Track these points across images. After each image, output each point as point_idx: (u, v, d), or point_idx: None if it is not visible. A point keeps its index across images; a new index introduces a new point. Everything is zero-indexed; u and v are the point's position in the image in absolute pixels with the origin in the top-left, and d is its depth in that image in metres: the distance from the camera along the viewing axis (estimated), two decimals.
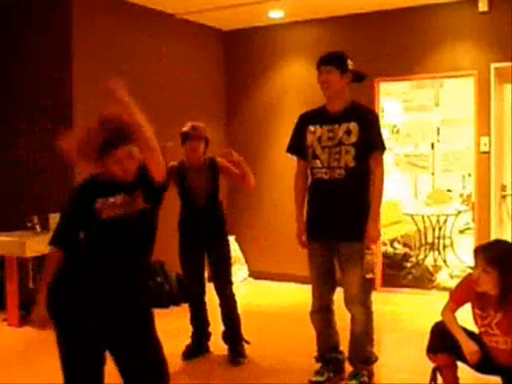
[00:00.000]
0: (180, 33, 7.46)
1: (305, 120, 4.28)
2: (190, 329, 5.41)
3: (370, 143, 4.04)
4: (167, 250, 7.10)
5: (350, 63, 4.13)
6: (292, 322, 6.09)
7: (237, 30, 8.02)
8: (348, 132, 4.01)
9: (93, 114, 6.20)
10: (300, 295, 7.12)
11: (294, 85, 7.70)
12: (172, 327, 5.95)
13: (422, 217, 8.47)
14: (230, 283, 5.02)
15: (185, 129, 4.85)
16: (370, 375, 4.35)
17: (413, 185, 10.31)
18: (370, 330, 4.33)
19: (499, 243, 3.74)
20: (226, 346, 5.03)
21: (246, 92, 8.03)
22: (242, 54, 8.08)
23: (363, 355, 4.33)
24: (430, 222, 8.41)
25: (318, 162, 4.09)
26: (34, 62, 6.34)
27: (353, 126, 4.01)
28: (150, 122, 7.31)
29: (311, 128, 4.16)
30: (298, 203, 4.34)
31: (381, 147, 4.10)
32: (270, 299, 7.00)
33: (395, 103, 10.04)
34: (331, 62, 4.08)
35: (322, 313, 4.30)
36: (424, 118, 10.72)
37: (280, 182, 7.79)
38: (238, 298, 5.09)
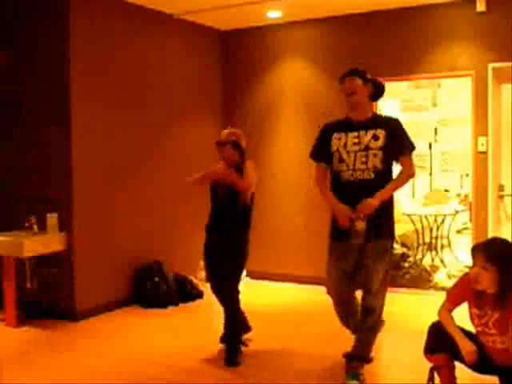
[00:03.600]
0: (178, 33, 7.46)
1: (329, 128, 4.54)
2: (188, 328, 5.43)
3: (400, 147, 4.39)
4: (165, 250, 7.14)
5: (369, 76, 4.51)
6: (293, 322, 6.11)
7: (235, 29, 8.02)
8: (375, 137, 4.33)
9: (89, 115, 6.24)
10: (299, 295, 7.16)
11: (292, 85, 7.70)
12: (170, 326, 5.99)
13: (420, 217, 8.48)
14: (231, 282, 5.04)
15: (221, 137, 5.10)
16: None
17: (411, 185, 10.32)
18: (379, 326, 4.55)
19: (497, 240, 3.72)
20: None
21: (244, 92, 8.03)
22: (239, 53, 8.08)
23: (366, 352, 4.48)
24: (428, 221, 8.42)
25: (344, 165, 4.37)
26: (32, 61, 6.33)
27: (380, 132, 4.34)
28: (150, 121, 7.40)
29: (336, 135, 4.44)
30: (329, 194, 4.48)
31: (410, 148, 4.44)
32: (269, 299, 7.00)
33: (393, 103, 10.05)
34: (354, 72, 4.47)
35: (341, 305, 4.55)
36: (422, 118, 10.75)
37: (278, 181, 7.81)
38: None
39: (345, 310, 4.57)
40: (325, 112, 7.34)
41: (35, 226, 6.09)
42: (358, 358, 4.44)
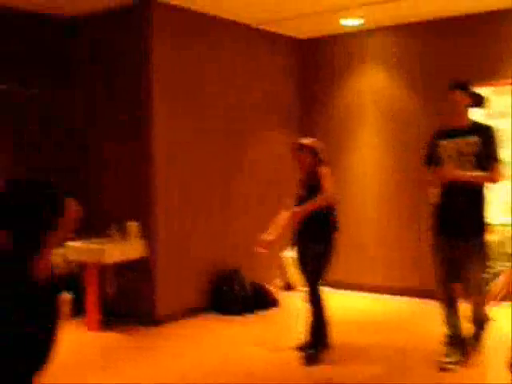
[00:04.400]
0: (255, 42, 7.52)
1: (436, 136, 5.01)
2: (264, 335, 5.44)
3: (489, 156, 4.77)
4: (243, 258, 7.19)
5: (471, 89, 4.96)
6: (374, 331, 6.04)
7: (313, 38, 8.00)
8: (470, 144, 4.77)
9: (170, 126, 6.32)
10: (375, 305, 7.05)
11: (371, 93, 7.62)
12: (247, 334, 6.02)
13: (502, 226, 8.20)
14: (314, 284, 5.10)
15: (295, 144, 5.30)
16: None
17: (494, 193, 9.99)
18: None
19: None
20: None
21: (322, 100, 8.00)
22: (318, 62, 8.06)
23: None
24: None
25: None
26: (114, 75, 6.54)
27: (475, 139, 4.76)
28: (230, 129, 7.49)
29: (442, 142, 4.92)
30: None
31: (496, 159, 4.80)
32: (344, 308, 6.93)
33: (477, 110, 9.77)
34: (455, 86, 4.88)
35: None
36: (505, 124, 10.40)
37: (357, 189, 7.73)
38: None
39: None
40: (407, 120, 7.27)
41: (116, 234, 6.27)
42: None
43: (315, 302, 5.10)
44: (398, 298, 7.17)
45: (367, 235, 7.67)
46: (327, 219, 5.16)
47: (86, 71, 6.85)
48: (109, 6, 6.40)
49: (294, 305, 7.04)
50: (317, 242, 5.11)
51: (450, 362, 4.81)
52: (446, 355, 4.86)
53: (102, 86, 6.69)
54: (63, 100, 6.82)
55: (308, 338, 5.14)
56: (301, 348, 5.19)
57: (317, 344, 5.11)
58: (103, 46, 6.70)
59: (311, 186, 5.12)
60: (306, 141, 5.26)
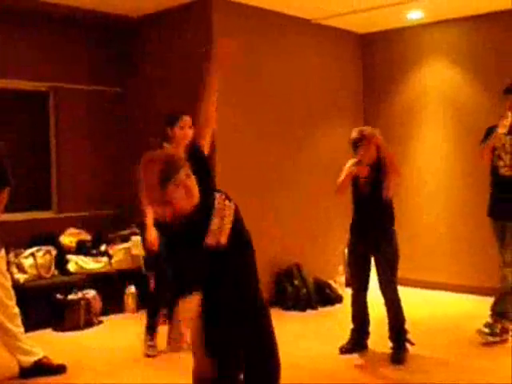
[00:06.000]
0: (316, 38, 7.49)
1: (490, 131, 5.34)
2: (327, 332, 5.40)
3: None
4: (305, 254, 7.18)
5: None
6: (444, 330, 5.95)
7: (374, 32, 7.94)
8: None
9: (230, 123, 6.36)
10: (450, 304, 6.92)
11: (435, 86, 7.50)
12: (310, 330, 6.01)
13: None
14: (392, 284, 5.02)
15: (353, 135, 5.05)
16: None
17: None
18: None
19: None
20: (390, 345, 5.06)
21: (385, 95, 7.92)
22: (379, 56, 7.98)
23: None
24: None
25: (501, 162, 5.31)
26: (176, 72, 6.62)
27: None
28: (292, 126, 7.50)
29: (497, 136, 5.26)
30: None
31: None
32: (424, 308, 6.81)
33: None
34: None
35: None
36: None
37: (422, 185, 7.62)
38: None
39: None
40: (471, 114, 7.13)
41: None
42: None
43: (397, 300, 5.02)
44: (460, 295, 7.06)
45: (431, 229, 7.55)
46: (392, 213, 5.06)
47: (147, 71, 6.98)
48: (169, 5, 6.52)
49: None
50: (388, 238, 5.01)
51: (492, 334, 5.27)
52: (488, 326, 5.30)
53: (162, 86, 6.79)
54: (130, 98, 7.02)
55: (393, 339, 5.04)
56: (346, 350, 5.16)
57: (402, 343, 5.01)
58: (164, 45, 6.80)
59: (374, 179, 4.97)
60: (369, 131, 5.03)
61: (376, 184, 4.95)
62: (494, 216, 5.47)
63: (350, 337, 5.23)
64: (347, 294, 7.04)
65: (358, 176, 5.03)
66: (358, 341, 5.21)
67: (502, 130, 5.16)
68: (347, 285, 7.49)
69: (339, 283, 7.32)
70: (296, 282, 6.79)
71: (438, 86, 7.48)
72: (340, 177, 5.05)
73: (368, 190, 5.02)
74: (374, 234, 5.02)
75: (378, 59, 7.99)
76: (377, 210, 5.00)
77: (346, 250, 5.44)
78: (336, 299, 6.94)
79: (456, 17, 7.21)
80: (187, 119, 5.03)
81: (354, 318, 5.24)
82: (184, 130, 5.01)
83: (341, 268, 7.45)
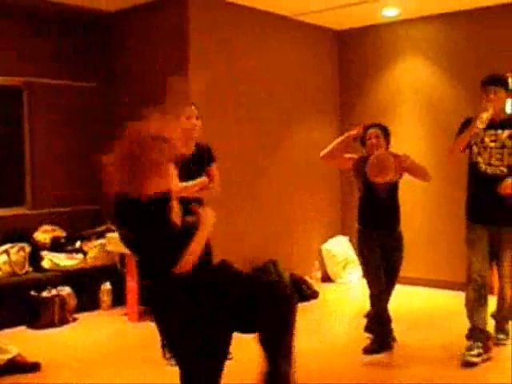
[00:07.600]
0: (293, 34, 7.50)
1: (468, 123, 4.75)
2: (302, 328, 5.40)
3: None
4: (281, 250, 7.19)
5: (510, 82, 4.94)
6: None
7: (350, 29, 7.96)
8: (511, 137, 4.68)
9: (210, 117, 6.35)
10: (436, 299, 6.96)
11: (411, 83, 7.54)
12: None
13: None
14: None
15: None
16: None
17: None
18: None
19: None
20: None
21: (361, 91, 7.96)
22: (355, 53, 8.01)
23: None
24: None
25: (480, 158, 4.75)
26: (152, 67, 6.58)
27: None
28: (268, 122, 7.47)
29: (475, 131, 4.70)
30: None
31: None
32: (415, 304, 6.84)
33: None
34: (498, 83, 4.73)
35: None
36: None
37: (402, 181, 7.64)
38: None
39: None
40: (447, 110, 7.17)
41: None
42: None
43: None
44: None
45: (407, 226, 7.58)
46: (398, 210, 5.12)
47: (123, 65, 6.93)
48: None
49: (334, 297, 7.03)
50: (397, 238, 5.06)
51: (473, 355, 4.66)
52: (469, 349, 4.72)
53: (138, 81, 6.75)
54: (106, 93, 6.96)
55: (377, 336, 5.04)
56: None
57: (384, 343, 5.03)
58: (141, 40, 6.76)
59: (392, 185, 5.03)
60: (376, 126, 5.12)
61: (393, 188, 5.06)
62: (480, 220, 4.80)
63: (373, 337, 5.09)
64: (323, 289, 7.09)
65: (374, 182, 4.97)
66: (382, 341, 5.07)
67: (481, 125, 4.55)
68: (323, 280, 7.54)
69: (315, 279, 7.34)
70: (271, 278, 6.77)
71: (413, 83, 7.53)
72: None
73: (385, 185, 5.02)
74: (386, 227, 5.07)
75: (354, 56, 8.02)
76: (393, 205, 5.11)
77: (360, 252, 5.18)
78: (312, 295, 6.94)
79: (431, 14, 7.26)
80: (193, 109, 4.68)
81: (375, 320, 5.10)
82: (191, 120, 4.65)
83: (316, 263, 7.47)
